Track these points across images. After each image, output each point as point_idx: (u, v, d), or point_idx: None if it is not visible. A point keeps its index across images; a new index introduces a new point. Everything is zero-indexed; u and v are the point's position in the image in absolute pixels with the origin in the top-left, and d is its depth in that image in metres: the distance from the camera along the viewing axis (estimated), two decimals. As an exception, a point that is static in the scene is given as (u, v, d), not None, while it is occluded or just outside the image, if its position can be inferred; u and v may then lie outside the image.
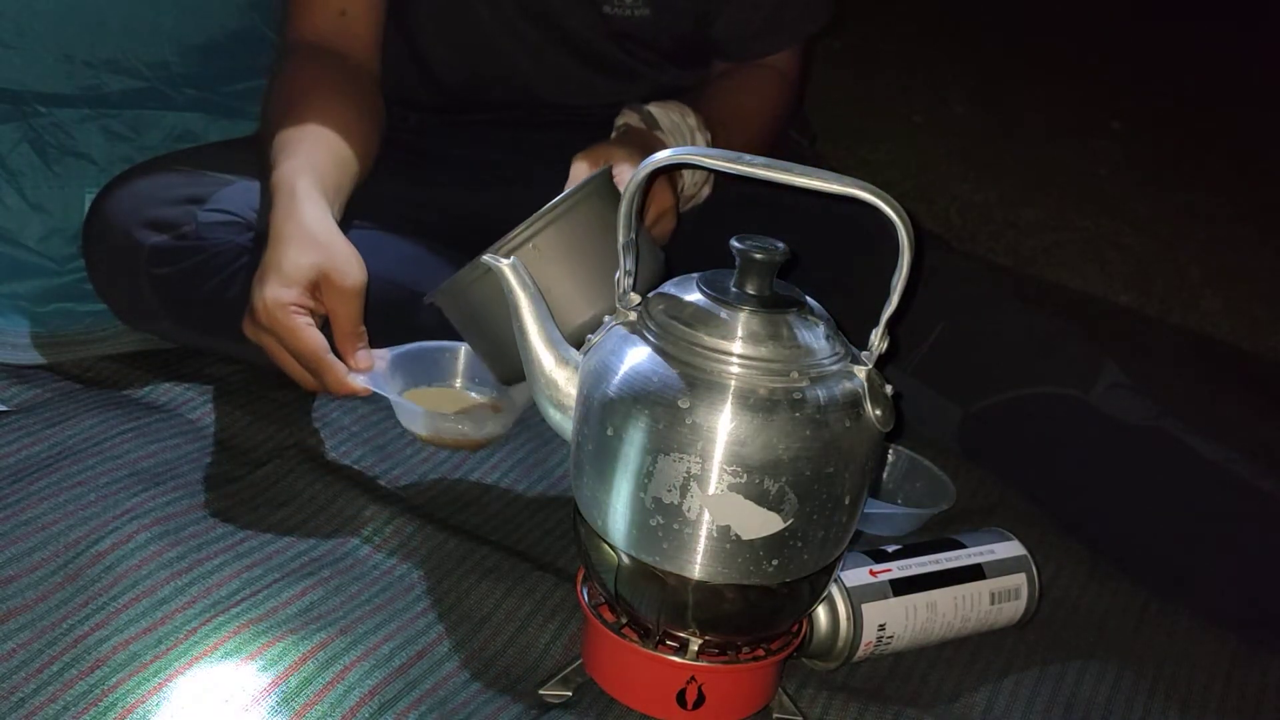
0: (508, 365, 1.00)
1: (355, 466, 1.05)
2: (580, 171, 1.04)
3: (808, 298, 0.80)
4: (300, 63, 1.18)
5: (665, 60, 1.31)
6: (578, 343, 0.96)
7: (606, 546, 0.79)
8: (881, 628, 0.90)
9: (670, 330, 0.77)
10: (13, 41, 1.20)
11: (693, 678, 0.82)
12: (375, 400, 1.11)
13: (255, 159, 1.14)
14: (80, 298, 1.18)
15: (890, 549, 0.95)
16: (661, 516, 0.76)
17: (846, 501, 0.77)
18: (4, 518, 0.88)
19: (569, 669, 0.86)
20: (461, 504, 1.03)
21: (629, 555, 0.78)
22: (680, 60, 1.33)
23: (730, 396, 0.74)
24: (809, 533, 0.76)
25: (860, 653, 0.90)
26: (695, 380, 0.75)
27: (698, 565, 0.76)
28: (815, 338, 0.77)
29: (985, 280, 1.25)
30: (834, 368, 0.77)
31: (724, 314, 0.77)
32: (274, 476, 1.00)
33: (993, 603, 0.95)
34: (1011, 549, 0.98)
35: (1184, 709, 0.95)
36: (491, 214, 1.06)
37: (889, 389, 0.78)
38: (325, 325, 0.99)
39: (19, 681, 0.77)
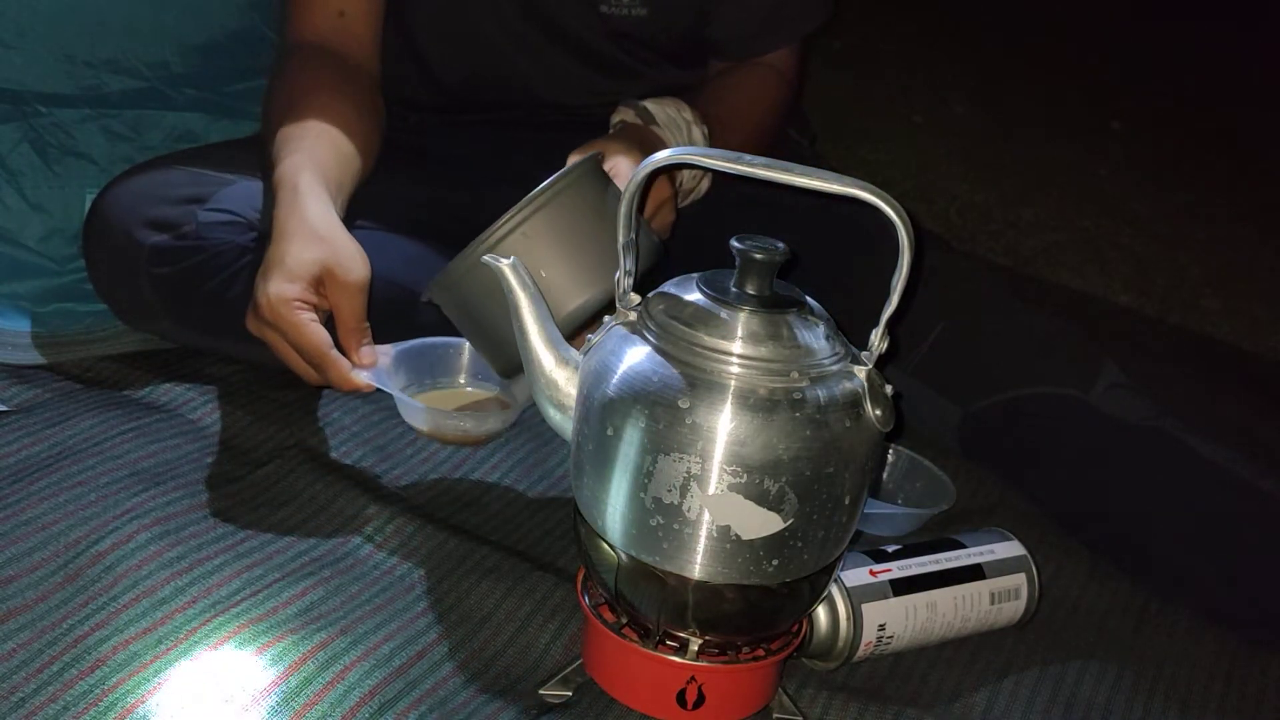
0: (505, 357, 1.00)
1: (356, 466, 1.05)
2: None
3: (808, 298, 0.80)
4: (300, 63, 1.18)
5: (664, 59, 1.31)
6: (572, 329, 0.96)
7: (606, 546, 0.79)
8: (881, 628, 0.90)
9: (670, 330, 0.77)
10: (13, 41, 1.20)
11: (693, 678, 0.82)
12: (376, 400, 1.11)
13: (256, 159, 1.14)
14: (80, 298, 1.18)
15: (890, 549, 0.95)
16: (661, 516, 0.76)
17: (846, 501, 0.77)
18: (4, 518, 0.88)
19: (569, 669, 0.86)
20: (461, 504, 1.04)
21: (629, 555, 0.78)
22: (679, 59, 1.33)
23: (730, 396, 0.74)
24: (809, 533, 0.76)
25: (860, 653, 0.90)
26: (695, 380, 0.75)
27: (698, 565, 0.76)
28: (815, 338, 0.77)
29: (985, 280, 1.25)
30: (834, 368, 0.77)
31: (724, 314, 0.77)
32: (274, 476, 1.01)
33: (993, 603, 0.95)
34: (1011, 549, 0.98)
35: (1184, 709, 0.95)
36: (492, 214, 1.06)
37: (889, 389, 0.78)
38: (329, 321, 0.99)
39: (19, 681, 0.77)
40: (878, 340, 0.78)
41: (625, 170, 1.05)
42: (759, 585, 0.77)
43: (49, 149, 1.22)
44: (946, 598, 0.93)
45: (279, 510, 0.97)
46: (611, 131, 1.16)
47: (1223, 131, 2.61)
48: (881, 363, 0.79)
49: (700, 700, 0.82)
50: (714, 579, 0.77)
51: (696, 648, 0.81)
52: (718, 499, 0.74)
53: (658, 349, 0.77)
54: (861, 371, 0.78)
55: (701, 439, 0.74)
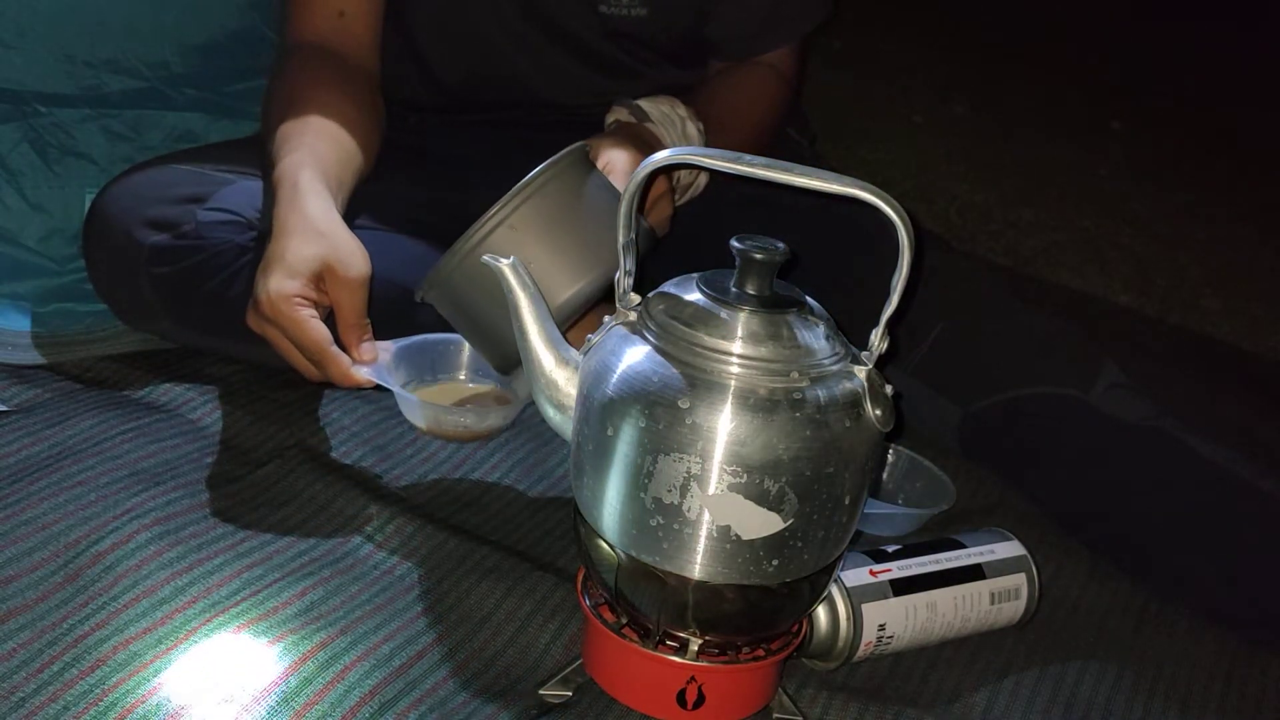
0: (500, 352, 1.00)
1: (356, 466, 1.05)
2: None
3: (808, 298, 0.80)
4: (300, 62, 1.18)
5: (664, 59, 1.31)
6: (566, 319, 0.96)
7: (606, 546, 0.79)
8: (881, 628, 0.90)
9: (670, 330, 0.77)
10: (13, 41, 1.20)
11: (693, 678, 0.82)
12: (376, 400, 1.11)
13: (256, 158, 1.14)
14: (80, 298, 1.18)
15: (890, 549, 0.95)
16: (661, 516, 0.76)
17: (846, 501, 0.77)
18: (4, 518, 0.88)
19: (569, 669, 0.86)
20: (461, 504, 1.04)
21: (629, 555, 0.78)
22: (679, 59, 1.33)
23: (730, 396, 0.74)
24: (809, 533, 0.76)
25: (860, 653, 0.90)
26: (695, 380, 0.75)
27: (698, 565, 0.76)
28: (815, 338, 0.77)
29: (985, 280, 1.25)
30: (834, 368, 0.77)
31: (724, 314, 0.77)
32: (274, 476, 1.01)
33: (993, 603, 0.95)
34: (1011, 549, 0.98)
35: (1184, 709, 0.95)
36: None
37: (889, 389, 0.78)
38: (329, 318, 0.99)
39: (19, 681, 0.77)
40: (878, 340, 0.78)
41: (621, 166, 1.06)
42: (759, 585, 0.77)
43: (49, 149, 1.22)
44: (946, 598, 0.93)
45: (279, 510, 0.97)
46: (606, 130, 1.16)
47: (1223, 131, 2.61)
48: (881, 363, 0.79)
49: (700, 700, 0.82)
50: (714, 579, 0.77)
51: (696, 648, 0.81)
52: (718, 499, 0.74)
53: (658, 349, 0.77)
54: (861, 371, 0.78)
55: (701, 439, 0.74)
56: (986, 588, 0.95)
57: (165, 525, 0.90)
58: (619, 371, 0.77)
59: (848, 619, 0.89)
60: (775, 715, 0.86)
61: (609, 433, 0.76)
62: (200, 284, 1.08)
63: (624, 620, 0.84)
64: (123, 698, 0.76)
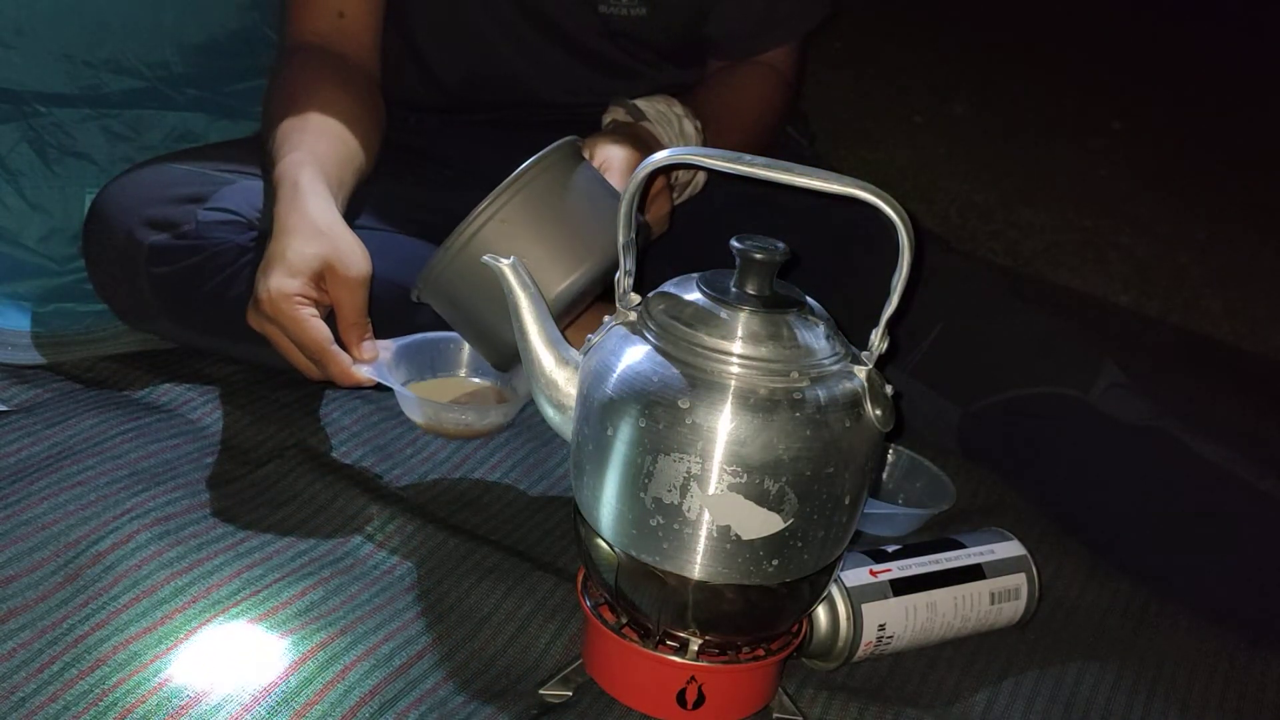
0: (496, 349, 1.01)
1: (356, 466, 1.05)
2: None
3: (808, 298, 0.80)
4: (300, 63, 1.18)
5: (663, 59, 1.31)
6: (560, 312, 0.96)
7: (606, 546, 0.79)
8: (881, 628, 0.90)
9: (670, 330, 0.77)
10: (13, 41, 1.20)
11: (693, 678, 0.82)
12: (376, 400, 1.11)
13: (256, 158, 1.14)
14: (80, 298, 1.18)
15: (890, 549, 0.95)
16: (661, 516, 0.76)
17: (846, 501, 0.77)
18: (4, 518, 0.88)
19: (569, 669, 0.86)
20: (461, 504, 1.04)
21: (629, 555, 0.78)
22: (678, 59, 1.33)
23: (730, 396, 0.74)
24: (809, 533, 0.76)
25: (860, 653, 0.90)
26: (695, 380, 0.75)
27: (698, 565, 0.76)
28: (815, 338, 0.77)
29: (985, 280, 1.25)
30: (834, 368, 0.77)
31: (724, 314, 0.77)
32: (274, 476, 1.01)
33: (993, 603, 0.95)
34: (1011, 549, 0.98)
35: (1184, 709, 0.95)
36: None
37: (889, 389, 0.78)
38: (330, 317, 0.99)
39: (19, 681, 0.77)
40: (878, 340, 0.78)
41: (617, 164, 1.06)
42: (759, 585, 0.77)
43: (49, 149, 1.22)
44: (946, 598, 0.93)
45: (279, 510, 0.97)
46: (603, 129, 1.16)
47: (1222, 131, 2.61)
48: (881, 363, 0.79)
49: (700, 700, 0.82)
50: (714, 579, 0.77)
51: (696, 648, 0.81)
52: (718, 499, 0.74)
53: (658, 349, 0.77)
54: (861, 371, 0.78)
55: (701, 439, 0.74)
56: (986, 588, 0.95)
57: (165, 525, 0.90)
58: (619, 371, 0.77)
59: (848, 619, 0.89)
60: (775, 715, 0.86)
61: (609, 433, 0.76)
62: (200, 284, 1.08)
63: (624, 620, 0.84)
64: (123, 698, 0.76)
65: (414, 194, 1.22)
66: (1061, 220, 2.12)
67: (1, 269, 1.17)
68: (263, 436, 1.06)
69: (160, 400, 1.07)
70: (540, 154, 0.97)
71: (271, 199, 1.02)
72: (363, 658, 0.83)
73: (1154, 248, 2.05)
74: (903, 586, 0.91)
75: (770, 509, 0.74)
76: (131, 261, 1.09)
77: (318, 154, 1.05)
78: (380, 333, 1.02)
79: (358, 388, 1.03)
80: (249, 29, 1.37)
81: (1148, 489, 1.06)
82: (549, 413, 0.85)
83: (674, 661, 0.81)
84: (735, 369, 0.75)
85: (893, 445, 1.15)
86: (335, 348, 0.97)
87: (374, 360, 1.00)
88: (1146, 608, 1.06)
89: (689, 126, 1.17)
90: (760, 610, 0.80)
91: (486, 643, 0.89)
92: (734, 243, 0.78)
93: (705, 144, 1.19)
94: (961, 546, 0.96)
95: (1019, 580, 0.96)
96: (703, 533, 0.75)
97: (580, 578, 0.88)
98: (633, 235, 0.81)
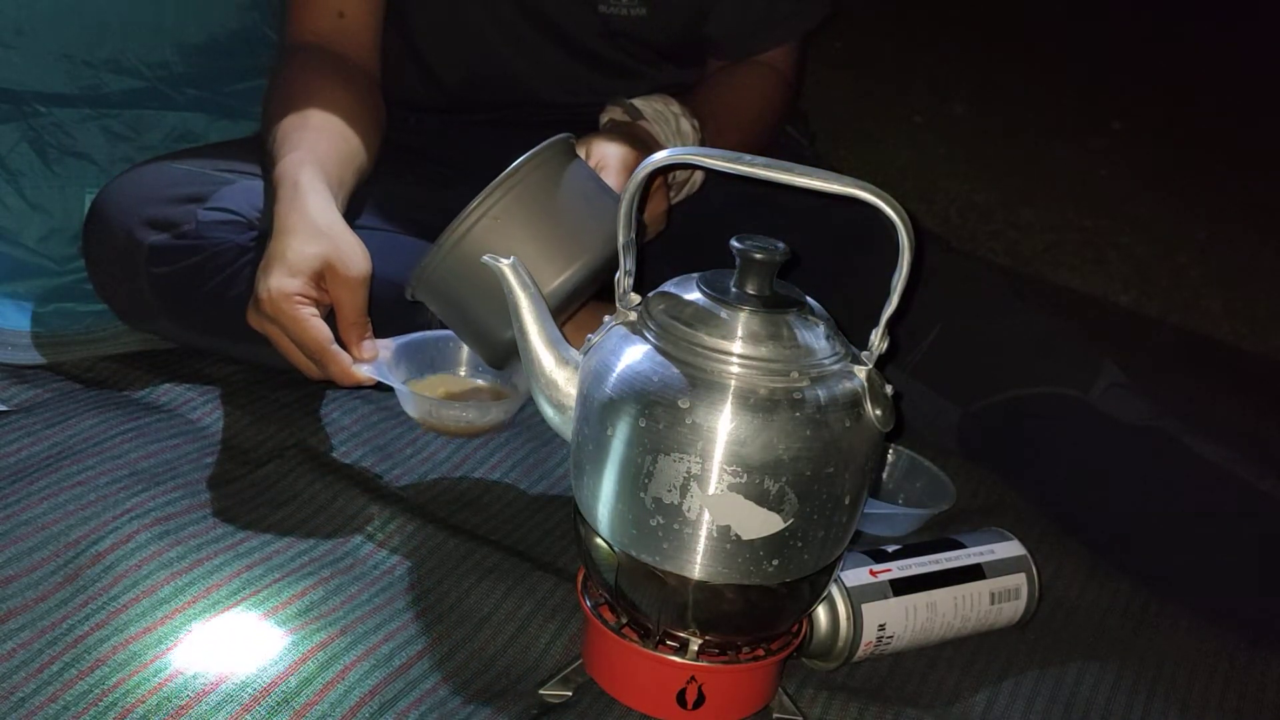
0: (490, 346, 1.01)
1: (356, 466, 1.05)
2: None
3: (808, 298, 0.80)
4: (300, 63, 1.18)
5: (663, 59, 1.31)
6: (556, 308, 0.96)
7: (606, 546, 0.79)
8: (881, 628, 0.90)
9: (670, 330, 0.77)
10: (13, 41, 1.20)
11: (693, 678, 0.82)
12: (376, 400, 1.12)
13: (256, 158, 1.14)
14: (80, 298, 1.18)
15: (890, 549, 0.95)
16: (661, 516, 0.76)
17: (846, 501, 0.77)
18: (4, 518, 0.88)
19: (569, 669, 0.86)
20: (461, 504, 1.04)
21: (629, 555, 0.78)
22: (678, 58, 1.33)
23: (730, 396, 0.74)
24: (809, 533, 0.76)
25: (860, 653, 0.90)
26: (695, 380, 0.75)
27: (698, 565, 0.76)
28: (815, 338, 0.77)
29: (985, 280, 1.25)
30: (834, 368, 0.77)
31: (724, 314, 0.77)
32: (274, 476, 1.01)
33: (993, 603, 0.95)
34: (1011, 549, 0.98)
35: (1184, 709, 0.95)
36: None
37: (889, 389, 0.78)
38: (330, 316, 0.99)
39: (19, 681, 0.77)
40: (878, 340, 0.78)
41: (614, 163, 1.06)
42: (759, 585, 0.77)
43: (49, 149, 1.22)
44: (946, 598, 0.93)
45: (279, 510, 0.97)
46: (601, 128, 1.16)
47: (1222, 131, 2.61)
48: (881, 363, 0.79)
49: (700, 700, 0.82)
50: (714, 579, 0.77)
51: (696, 648, 0.81)
52: (718, 499, 0.74)
53: (658, 349, 0.77)
54: (861, 371, 0.78)
55: (701, 439, 0.74)
56: (986, 588, 0.95)
57: (165, 525, 0.90)
58: (619, 371, 0.77)
59: (848, 619, 0.89)
60: (775, 715, 0.86)
61: (609, 432, 0.76)
62: (200, 284, 1.08)
63: (624, 620, 0.84)
64: (123, 698, 0.76)
65: (414, 194, 1.22)
66: (1061, 220, 2.12)
67: (1, 269, 1.17)
68: (263, 436, 1.06)
69: (160, 400, 1.07)
70: (532, 151, 0.97)
71: (272, 198, 1.02)
72: (363, 658, 0.83)
73: (1154, 248, 2.05)
74: (903, 586, 0.91)
75: (770, 509, 0.74)
76: (131, 261, 1.09)
77: (318, 153, 1.05)
78: (380, 332, 1.02)
79: (358, 387, 1.03)
80: (249, 29, 1.37)
81: (1148, 489, 1.06)
82: (549, 412, 0.85)
83: (674, 661, 0.81)
84: (735, 369, 0.75)
85: (893, 445, 1.15)
86: (335, 347, 0.97)
87: (374, 359, 1.00)
88: (1146, 608, 1.06)
89: (686, 125, 1.17)
90: (760, 610, 0.80)
91: (486, 643, 0.89)
92: (734, 243, 0.78)
93: (704, 143, 1.19)
94: (961, 546, 0.96)
95: (1019, 580, 0.96)
96: (703, 533, 0.75)
97: (580, 578, 0.88)
98: (633, 235, 0.81)
